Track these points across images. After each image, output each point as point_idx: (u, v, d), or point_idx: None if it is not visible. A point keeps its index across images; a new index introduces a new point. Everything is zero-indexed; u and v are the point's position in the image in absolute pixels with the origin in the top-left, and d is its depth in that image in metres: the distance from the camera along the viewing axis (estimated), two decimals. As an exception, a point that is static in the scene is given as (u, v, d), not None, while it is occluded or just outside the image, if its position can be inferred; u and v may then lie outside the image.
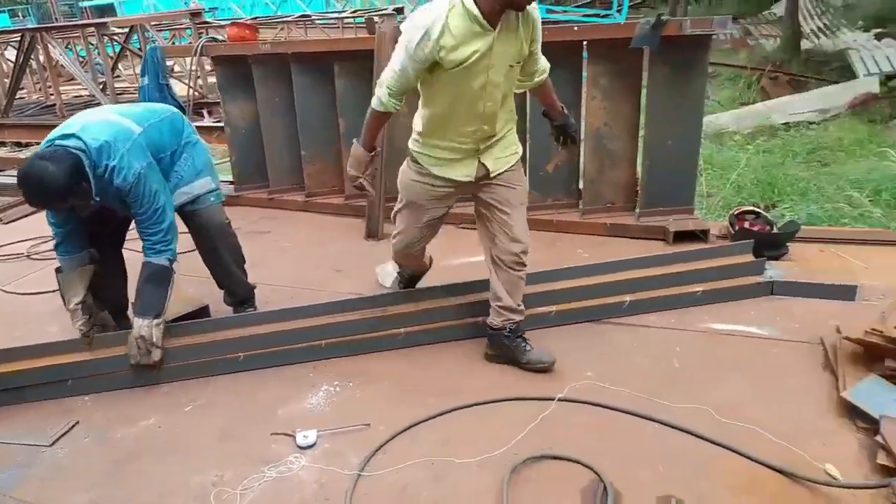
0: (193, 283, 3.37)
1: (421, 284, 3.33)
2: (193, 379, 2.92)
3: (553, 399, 2.59)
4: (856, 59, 10.84)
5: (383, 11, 8.97)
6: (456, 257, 3.99)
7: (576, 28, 4.19)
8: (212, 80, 8.11)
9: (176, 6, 18.86)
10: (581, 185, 4.40)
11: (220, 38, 6.02)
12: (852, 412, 2.36)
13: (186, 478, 2.33)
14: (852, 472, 2.12)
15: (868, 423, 2.28)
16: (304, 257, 4.24)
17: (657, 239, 4.03)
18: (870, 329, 2.51)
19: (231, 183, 5.37)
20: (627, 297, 3.21)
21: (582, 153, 4.34)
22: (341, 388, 2.79)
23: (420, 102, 2.57)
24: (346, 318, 3.07)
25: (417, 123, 2.63)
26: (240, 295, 3.28)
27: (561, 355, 2.83)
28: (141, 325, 2.80)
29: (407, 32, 2.32)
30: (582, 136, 4.31)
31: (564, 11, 15.01)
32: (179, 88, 8.23)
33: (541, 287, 3.17)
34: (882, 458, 2.09)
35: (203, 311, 3.26)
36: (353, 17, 10.17)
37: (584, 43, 4.07)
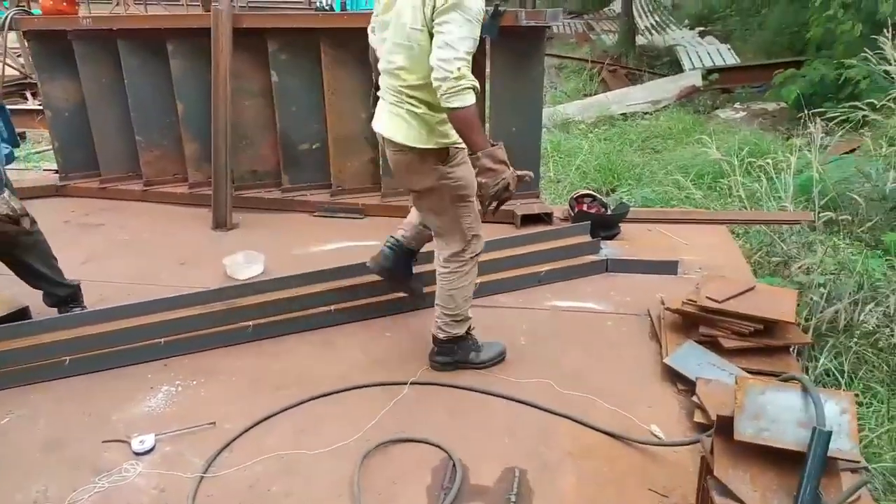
0: (7, 282, 3.02)
1: (271, 275, 3.21)
2: (11, 388, 2.63)
3: (406, 383, 2.62)
4: (682, 54, 11.92)
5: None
6: (309, 246, 3.91)
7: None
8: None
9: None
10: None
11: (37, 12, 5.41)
12: (673, 376, 2.60)
13: (3, 497, 2.10)
14: (674, 431, 2.33)
15: (686, 385, 2.52)
16: (144, 250, 3.94)
17: (507, 223, 4.18)
18: (686, 300, 2.78)
19: (55, 172, 4.88)
20: (478, 280, 3.30)
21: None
22: (184, 388, 2.64)
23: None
24: (188, 313, 2.90)
25: (437, 114, 2.34)
26: (59, 295, 2.97)
27: (415, 339, 2.87)
28: None
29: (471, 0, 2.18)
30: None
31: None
32: (-7, 66, 7.30)
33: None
34: (698, 416, 2.31)
35: (22, 314, 2.93)
36: (198, -6, 9.59)
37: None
